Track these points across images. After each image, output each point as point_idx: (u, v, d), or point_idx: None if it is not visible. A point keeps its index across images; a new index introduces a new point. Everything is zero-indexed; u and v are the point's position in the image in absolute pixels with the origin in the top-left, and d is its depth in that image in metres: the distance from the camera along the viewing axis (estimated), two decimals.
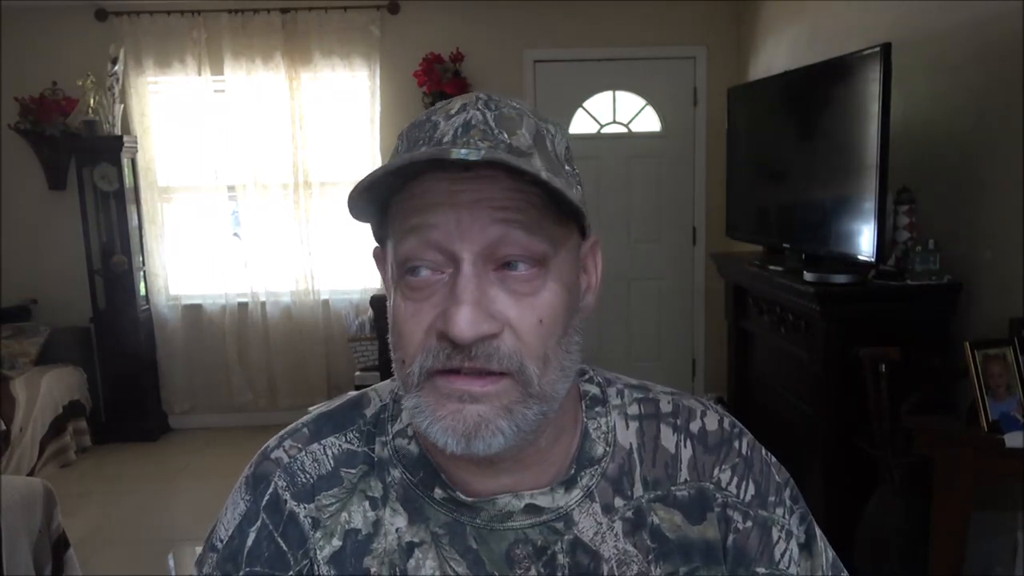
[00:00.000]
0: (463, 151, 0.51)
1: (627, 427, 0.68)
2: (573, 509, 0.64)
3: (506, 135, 0.57)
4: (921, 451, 2.08)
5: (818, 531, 0.70)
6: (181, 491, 3.80)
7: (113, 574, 2.91)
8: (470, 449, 0.56)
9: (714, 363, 4.58)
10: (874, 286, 2.37)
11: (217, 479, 3.85)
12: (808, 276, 2.46)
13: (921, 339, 2.29)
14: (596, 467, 0.66)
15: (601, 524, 0.64)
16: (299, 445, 0.68)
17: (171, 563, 3.08)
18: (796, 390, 2.75)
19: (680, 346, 4.67)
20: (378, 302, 4.08)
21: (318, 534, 0.65)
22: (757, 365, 3.23)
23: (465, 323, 0.53)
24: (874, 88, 2.24)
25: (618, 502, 0.65)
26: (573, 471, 0.65)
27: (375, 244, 0.66)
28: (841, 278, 2.39)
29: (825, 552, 0.70)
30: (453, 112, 0.58)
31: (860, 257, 2.36)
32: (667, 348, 4.68)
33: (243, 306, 4.56)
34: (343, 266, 4.57)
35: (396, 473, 0.66)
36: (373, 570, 0.64)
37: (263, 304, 4.54)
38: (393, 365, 0.61)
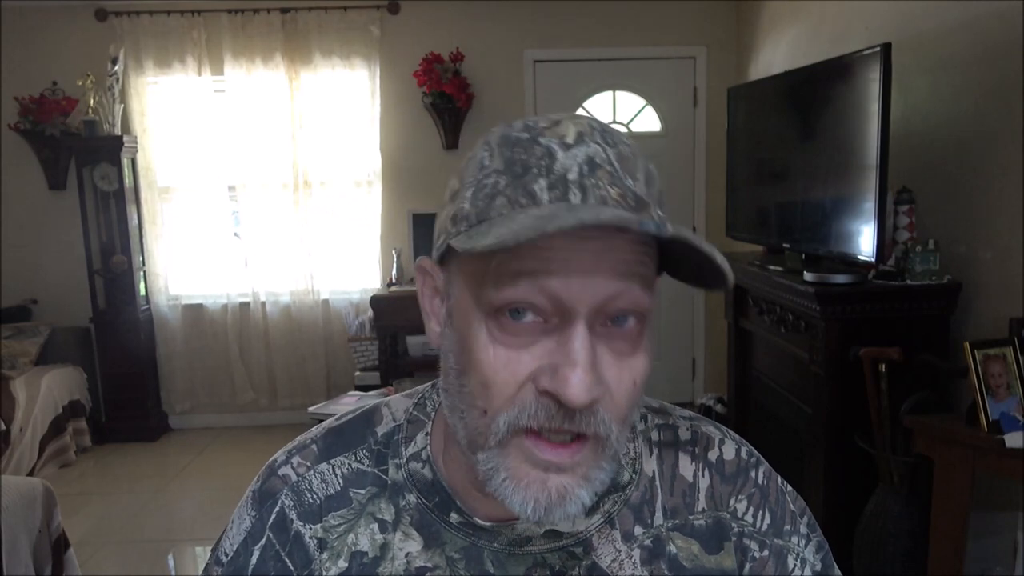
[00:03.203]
0: (650, 224, 0.47)
1: (650, 454, 0.67)
2: (592, 535, 0.63)
3: (631, 180, 0.53)
4: (921, 451, 2.08)
5: (834, 563, 0.70)
6: (181, 491, 3.80)
7: (113, 574, 2.91)
8: (548, 518, 0.53)
9: (714, 363, 4.58)
10: (874, 286, 2.37)
11: (217, 479, 3.86)
12: (808, 276, 2.45)
13: (921, 339, 2.29)
14: (620, 494, 0.65)
15: (620, 551, 0.63)
16: (307, 463, 0.67)
17: (171, 563, 3.08)
18: (796, 390, 2.74)
19: (680, 346, 4.67)
20: (378, 302, 4.08)
21: (324, 555, 0.64)
22: (757, 365, 3.23)
23: (582, 388, 0.49)
24: (874, 88, 2.24)
25: (638, 530, 0.64)
26: (597, 497, 0.64)
27: (423, 254, 0.61)
28: (841, 278, 2.38)
29: None
30: (570, 141, 0.53)
31: (860, 257, 2.36)
32: (667, 348, 4.67)
33: (243, 306, 4.56)
34: (343, 266, 4.57)
35: (411, 498, 0.64)
36: None
37: (263, 304, 4.54)
38: (462, 409, 0.55)
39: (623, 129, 4.49)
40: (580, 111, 4.47)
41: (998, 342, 1.95)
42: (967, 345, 1.93)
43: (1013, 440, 1.83)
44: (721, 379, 4.05)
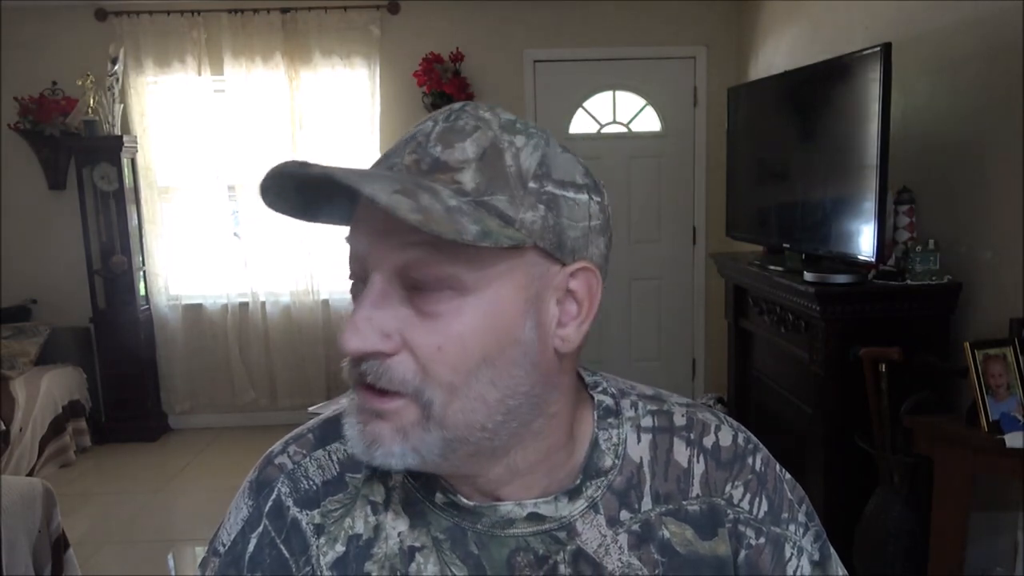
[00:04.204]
0: (313, 168, 0.50)
1: (639, 440, 0.67)
2: (576, 519, 0.63)
3: (439, 148, 0.55)
4: (921, 451, 2.08)
5: (833, 552, 0.70)
6: (181, 491, 3.80)
7: (113, 574, 2.91)
8: (373, 462, 0.56)
9: (714, 363, 4.58)
10: (874, 286, 2.37)
11: (217, 479, 3.85)
12: (808, 276, 2.45)
13: (921, 339, 2.29)
14: (603, 479, 0.65)
15: (605, 536, 0.63)
16: (303, 451, 0.68)
17: (171, 563, 3.08)
18: (796, 390, 2.74)
19: (680, 346, 4.67)
20: None
21: (322, 539, 0.65)
22: (757, 365, 3.23)
23: (350, 335, 0.54)
24: (874, 88, 2.24)
25: (624, 515, 0.64)
26: (579, 481, 0.64)
27: None
28: (841, 278, 2.38)
29: (839, 573, 0.69)
30: (422, 121, 0.58)
31: (860, 257, 2.36)
32: (667, 348, 4.67)
33: (243, 306, 4.56)
34: (343, 266, 4.56)
35: (398, 477, 0.66)
36: (374, 574, 0.64)
37: (263, 304, 4.54)
38: None
39: (622, 129, 4.49)
40: (580, 112, 4.47)
41: (998, 342, 1.95)
42: (967, 345, 1.93)
43: (1013, 440, 1.83)
44: (721, 379, 4.05)
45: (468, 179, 0.54)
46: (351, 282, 0.59)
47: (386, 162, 0.57)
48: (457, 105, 0.59)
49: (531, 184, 0.56)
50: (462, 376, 0.55)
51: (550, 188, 0.57)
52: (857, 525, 2.29)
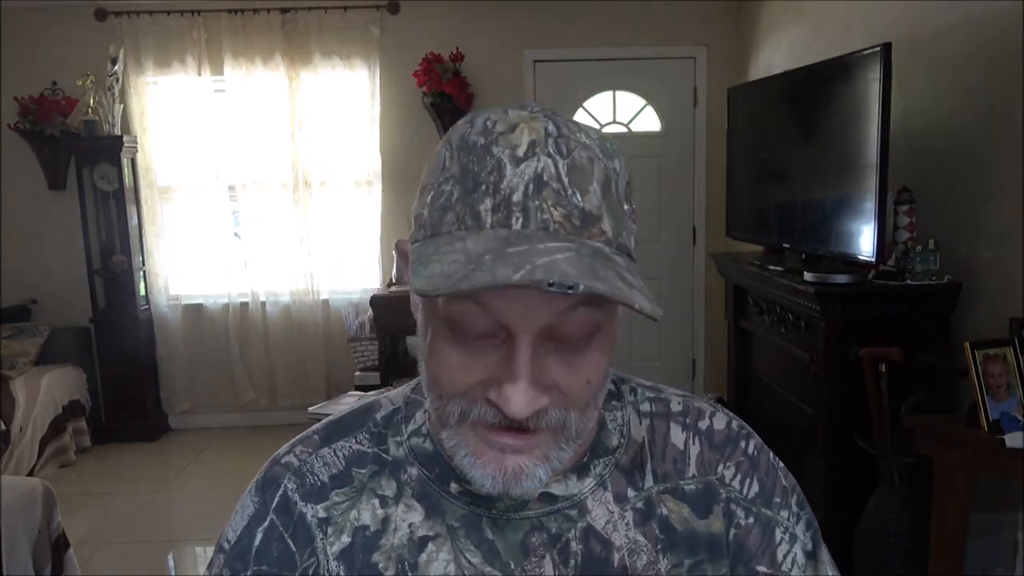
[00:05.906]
0: (560, 279, 0.47)
1: (640, 423, 0.70)
2: (586, 497, 0.65)
3: (579, 196, 0.53)
4: (921, 451, 2.08)
5: (822, 541, 0.71)
6: (181, 491, 3.80)
7: (113, 574, 2.91)
8: (507, 492, 0.57)
9: (714, 363, 4.58)
10: (874, 286, 2.37)
11: (217, 479, 3.85)
12: (808, 276, 2.45)
13: (921, 339, 2.29)
14: (610, 457, 0.67)
15: (613, 513, 0.65)
16: (309, 450, 0.69)
17: (171, 563, 3.08)
18: (796, 390, 2.74)
19: (680, 346, 4.68)
20: (378, 302, 4.08)
21: (329, 530, 0.66)
22: (757, 365, 3.23)
23: (522, 403, 0.53)
24: (874, 88, 2.24)
25: (630, 493, 0.66)
26: (587, 459, 0.66)
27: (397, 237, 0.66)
28: (841, 278, 2.38)
29: (831, 563, 0.70)
30: (521, 154, 0.54)
31: (860, 257, 2.36)
32: (667, 348, 4.67)
33: (243, 306, 4.56)
34: (343, 266, 4.57)
35: (413, 471, 0.67)
36: (380, 565, 0.64)
37: (263, 304, 4.54)
38: (425, 390, 0.61)
39: (622, 129, 4.49)
40: (580, 112, 4.47)
41: (998, 342, 1.95)
42: (967, 345, 1.93)
43: (1013, 440, 1.83)
44: (721, 379, 4.05)
45: (608, 226, 0.55)
46: (461, 332, 0.55)
47: (529, 217, 0.53)
48: (549, 124, 0.56)
49: (625, 205, 0.58)
50: (595, 397, 0.59)
51: (633, 205, 0.60)
52: (857, 525, 2.28)
